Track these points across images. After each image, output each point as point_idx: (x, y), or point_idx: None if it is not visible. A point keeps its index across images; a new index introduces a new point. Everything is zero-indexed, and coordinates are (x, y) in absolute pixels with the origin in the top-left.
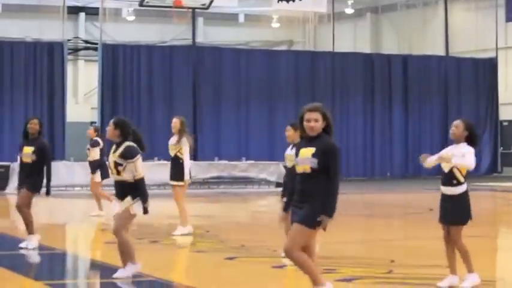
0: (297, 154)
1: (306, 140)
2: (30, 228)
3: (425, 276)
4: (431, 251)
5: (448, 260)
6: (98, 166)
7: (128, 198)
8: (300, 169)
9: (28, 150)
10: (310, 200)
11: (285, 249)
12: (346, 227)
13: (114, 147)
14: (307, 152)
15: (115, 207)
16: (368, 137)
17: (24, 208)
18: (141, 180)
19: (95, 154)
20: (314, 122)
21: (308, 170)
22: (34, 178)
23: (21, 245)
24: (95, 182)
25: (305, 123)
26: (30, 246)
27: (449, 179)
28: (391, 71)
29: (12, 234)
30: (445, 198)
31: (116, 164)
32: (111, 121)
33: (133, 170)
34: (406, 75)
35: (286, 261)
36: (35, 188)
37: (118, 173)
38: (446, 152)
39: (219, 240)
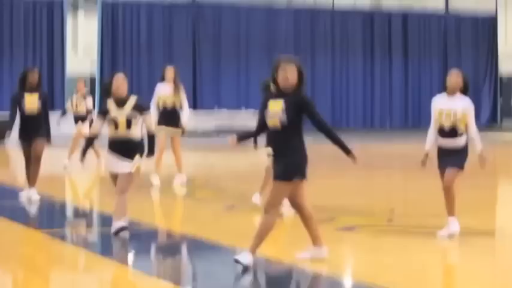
0: (265, 105)
1: (276, 94)
2: (35, 180)
3: (425, 225)
4: (431, 200)
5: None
6: (91, 117)
7: (137, 157)
8: (270, 123)
9: (34, 97)
10: (283, 155)
11: (265, 204)
12: (346, 177)
13: (113, 103)
14: (277, 106)
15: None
16: (368, 88)
17: (40, 159)
18: (154, 134)
19: (90, 104)
20: (290, 74)
21: (278, 125)
22: (45, 128)
23: (23, 196)
24: (83, 133)
25: (280, 72)
26: (35, 197)
27: (453, 132)
28: (391, 29)
29: (12, 184)
30: (447, 150)
31: (128, 118)
32: (122, 75)
33: (147, 123)
34: (406, 32)
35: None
36: (49, 138)
37: (129, 127)
38: (438, 105)
39: (219, 189)
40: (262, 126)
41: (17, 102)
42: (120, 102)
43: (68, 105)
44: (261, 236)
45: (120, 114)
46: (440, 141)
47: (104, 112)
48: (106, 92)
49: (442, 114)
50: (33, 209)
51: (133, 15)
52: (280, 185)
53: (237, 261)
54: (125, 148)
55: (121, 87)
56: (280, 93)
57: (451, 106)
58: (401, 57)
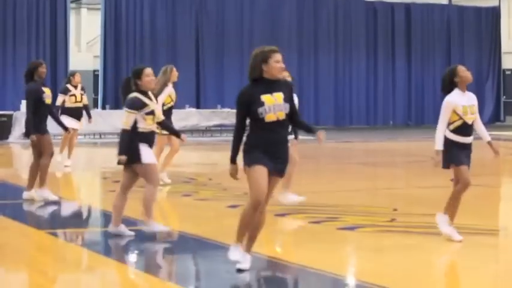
0: (253, 101)
1: (265, 84)
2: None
3: (427, 224)
4: (434, 199)
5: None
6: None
7: None
8: (271, 117)
9: (49, 91)
10: (284, 149)
11: (264, 201)
12: (349, 175)
13: (142, 96)
14: (277, 97)
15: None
16: (371, 86)
17: None
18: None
19: (85, 99)
20: (283, 64)
21: (283, 117)
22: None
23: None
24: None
25: (274, 64)
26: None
27: (472, 127)
28: (394, 20)
29: (15, 183)
30: (468, 146)
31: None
32: (151, 70)
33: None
34: (409, 23)
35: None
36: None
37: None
38: (459, 103)
39: (222, 188)
40: (244, 125)
41: (35, 96)
42: (147, 96)
43: (62, 99)
44: (255, 234)
45: (156, 107)
46: (462, 139)
47: (140, 106)
48: (128, 86)
49: (466, 111)
50: (35, 209)
51: (137, 9)
52: (277, 181)
53: (240, 270)
54: (153, 139)
55: (152, 81)
56: (273, 85)
57: (471, 102)
58: (404, 49)
